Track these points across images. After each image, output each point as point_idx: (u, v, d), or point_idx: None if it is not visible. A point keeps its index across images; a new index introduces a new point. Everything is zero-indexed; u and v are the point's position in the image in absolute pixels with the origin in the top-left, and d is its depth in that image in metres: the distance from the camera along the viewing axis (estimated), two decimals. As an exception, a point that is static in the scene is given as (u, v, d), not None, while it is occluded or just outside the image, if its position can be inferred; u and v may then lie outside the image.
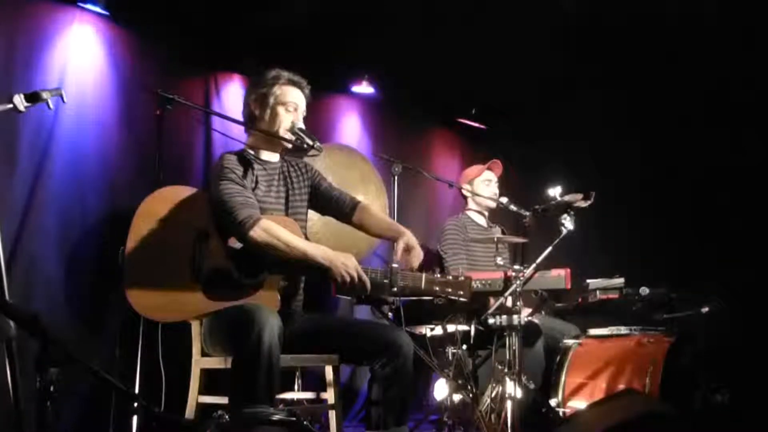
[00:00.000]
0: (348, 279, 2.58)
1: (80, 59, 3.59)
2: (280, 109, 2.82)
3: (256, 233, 2.56)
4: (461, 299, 2.71)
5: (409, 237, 2.77)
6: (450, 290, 2.71)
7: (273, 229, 2.59)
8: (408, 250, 2.74)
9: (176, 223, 2.64)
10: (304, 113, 2.90)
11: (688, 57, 4.41)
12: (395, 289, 2.67)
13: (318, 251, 2.61)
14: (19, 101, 2.18)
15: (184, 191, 2.73)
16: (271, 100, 2.83)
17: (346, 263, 2.59)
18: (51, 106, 2.24)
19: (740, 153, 4.49)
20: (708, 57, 4.32)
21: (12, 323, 1.98)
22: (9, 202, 3.23)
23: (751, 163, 4.45)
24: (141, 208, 2.64)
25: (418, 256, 2.74)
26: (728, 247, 4.39)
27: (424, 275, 2.72)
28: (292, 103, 2.84)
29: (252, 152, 2.85)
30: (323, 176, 2.99)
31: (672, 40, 4.34)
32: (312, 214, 3.00)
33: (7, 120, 3.16)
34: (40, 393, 1.51)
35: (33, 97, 2.21)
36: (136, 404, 1.84)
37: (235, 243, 2.66)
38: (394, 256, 2.74)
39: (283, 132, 2.81)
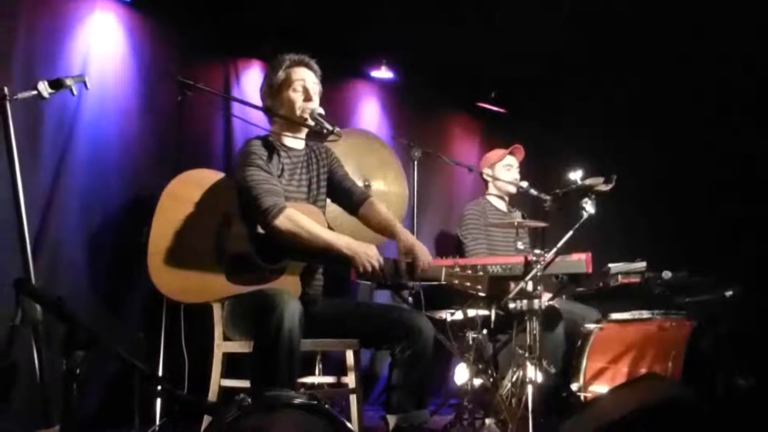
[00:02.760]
0: (369, 269, 2.60)
1: (102, 47, 3.61)
2: (289, 93, 2.82)
3: (281, 222, 2.58)
4: (479, 294, 2.74)
5: (405, 241, 2.74)
6: (468, 284, 2.74)
7: (297, 219, 2.60)
8: (407, 253, 2.70)
9: (202, 206, 2.67)
10: (320, 91, 2.89)
11: (709, 42, 4.34)
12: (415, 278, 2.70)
13: (341, 241, 2.62)
14: (44, 88, 2.21)
15: (211, 174, 2.75)
16: (279, 87, 2.84)
17: (369, 253, 2.61)
18: (74, 92, 2.28)
19: (764, 137, 4.42)
20: (729, 42, 4.25)
21: (38, 307, 2.01)
22: (33, 188, 3.26)
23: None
24: (168, 189, 2.67)
25: (420, 258, 2.68)
26: (751, 231, 4.34)
27: (444, 268, 2.74)
28: (298, 82, 2.82)
29: (276, 139, 2.86)
30: (341, 164, 2.99)
31: (693, 25, 4.27)
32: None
33: (31, 107, 3.19)
34: (66, 375, 1.53)
35: (57, 84, 2.24)
36: (159, 387, 1.87)
37: (260, 228, 2.68)
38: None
39: (299, 113, 2.81)
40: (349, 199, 2.94)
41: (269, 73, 2.90)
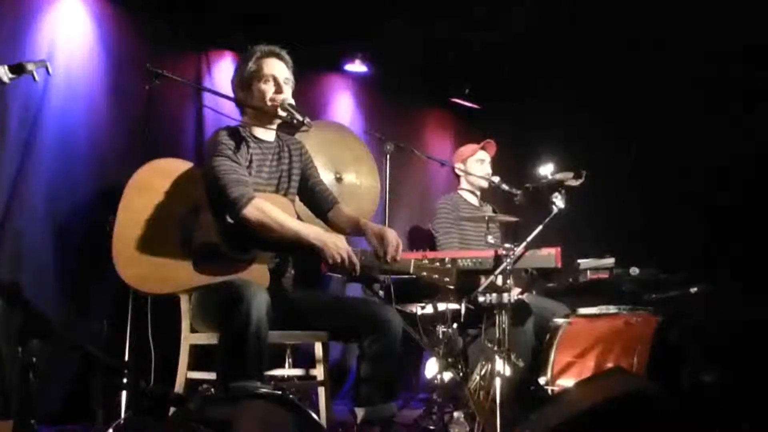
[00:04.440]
0: (339, 260, 2.59)
1: (69, 34, 3.56)
2: (260, 84, 2.79)
3: (249, 212, 2.56)
4: (447, 285, 2.74)
5: (373, 228, 2.74)
6: (437, 276, 2.75)
7: (266, 209, 2.58)
8: (377, 237, 2.69)
9: (169, 196, 2.64)
10: (292, 83, 2.86)
11: (679, 37, 4.39)
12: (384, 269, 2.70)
13: (311, 232, 2.61)
14: (3, 72, 2.16)
15: (178, 164, 2.73)
16: (249, 78, 2.81)
17: (338, 244, 2.60)
18: (36, 78, 2.23)
19: (731, 131, 4.47)
20: (698, 36, 4.30)
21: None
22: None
23: (743, 141, 4.43)
24: (134, 178, 2.63)
25: (390, 239, 2.66)
26: (718, 226, 4.40)
27: (412, 260, 2.75)
28: (268, 75, 2.79)
29: (247, 130, 2.83)
30: (314, 165, 3.00)
31: (665, 20, 4.31)
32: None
33: (-4, 95, 3.14)
34: (22, 364, 1.51)
35: (18, 69, 2.19)
36: (123, 378, 1.85)
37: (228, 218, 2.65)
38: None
39: (269, 105, 2.79)
40: (322, 203, 2.95)
41: (240, 65, 2.87)
